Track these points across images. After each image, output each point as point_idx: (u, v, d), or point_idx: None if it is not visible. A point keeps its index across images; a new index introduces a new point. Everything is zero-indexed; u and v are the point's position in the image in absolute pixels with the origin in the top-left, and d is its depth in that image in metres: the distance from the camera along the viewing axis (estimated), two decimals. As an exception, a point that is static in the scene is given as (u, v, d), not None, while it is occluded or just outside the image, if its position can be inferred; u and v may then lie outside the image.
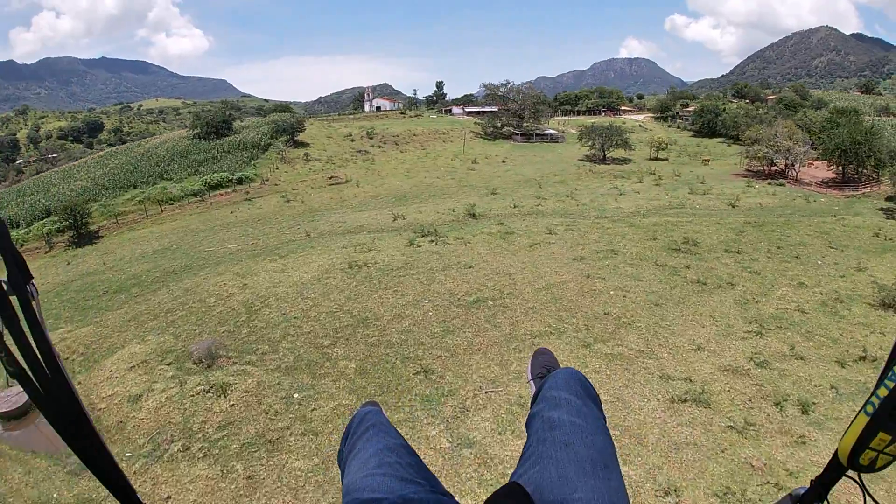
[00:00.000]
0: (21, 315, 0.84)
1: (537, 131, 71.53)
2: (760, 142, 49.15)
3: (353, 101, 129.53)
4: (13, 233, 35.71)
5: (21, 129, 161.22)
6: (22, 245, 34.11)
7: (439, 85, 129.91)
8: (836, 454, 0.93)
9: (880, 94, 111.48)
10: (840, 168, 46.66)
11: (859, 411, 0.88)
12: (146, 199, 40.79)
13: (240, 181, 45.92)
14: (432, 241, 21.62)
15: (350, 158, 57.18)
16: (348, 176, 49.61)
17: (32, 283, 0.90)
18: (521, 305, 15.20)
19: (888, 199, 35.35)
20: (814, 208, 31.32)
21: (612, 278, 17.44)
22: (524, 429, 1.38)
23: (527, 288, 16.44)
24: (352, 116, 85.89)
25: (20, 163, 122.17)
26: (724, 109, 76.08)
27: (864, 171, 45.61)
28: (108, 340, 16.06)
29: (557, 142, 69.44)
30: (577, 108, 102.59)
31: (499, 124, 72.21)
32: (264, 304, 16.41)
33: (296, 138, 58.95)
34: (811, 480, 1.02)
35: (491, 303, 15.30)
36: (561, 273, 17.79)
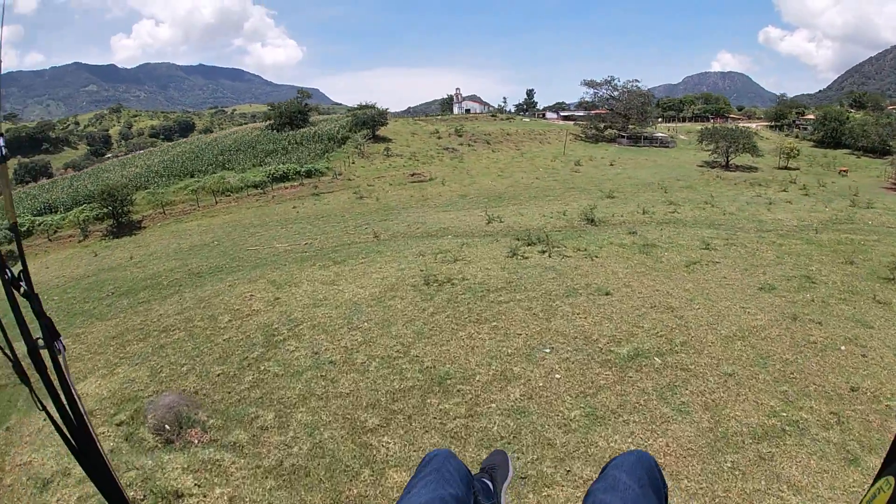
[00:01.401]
0: (51, 366, 1.03)
1: (645, 135, 64.88)
2: None
3: (441, 103, 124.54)
4: (48, 218, 32.58)
5: (114, 125, 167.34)
6: (55, 232, 30.68)
7: (529, 93, 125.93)
8: None
9: None
10: None
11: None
12: (200, 189, 36.45)
13: (308, 174, 41.25)
14: (543, 251, 15.46)
15: (436, 155, 52.11)
16: (433, 174, 44.31)
17: (60, 340, 1.07)
18: (711, 368, 8.75)
19: None
20: None
21: (829, 323, 10.69)
22: None
23: (708, 334, 9.97)
24: (440, 117, 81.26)
25: (109, 157, 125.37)
26: (849, 118, 68.32)
27: None
28: (73, 366, 11.02)
29: (668, 146, 62.88)
30: (682, 115, 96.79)
31: (601, 126, 65.52)
32: (292, 334, 10.74)
33: (376, 133, 54.51)
34: None
35: (658, 360, 8.91)
36: (751, 310, 11.22)
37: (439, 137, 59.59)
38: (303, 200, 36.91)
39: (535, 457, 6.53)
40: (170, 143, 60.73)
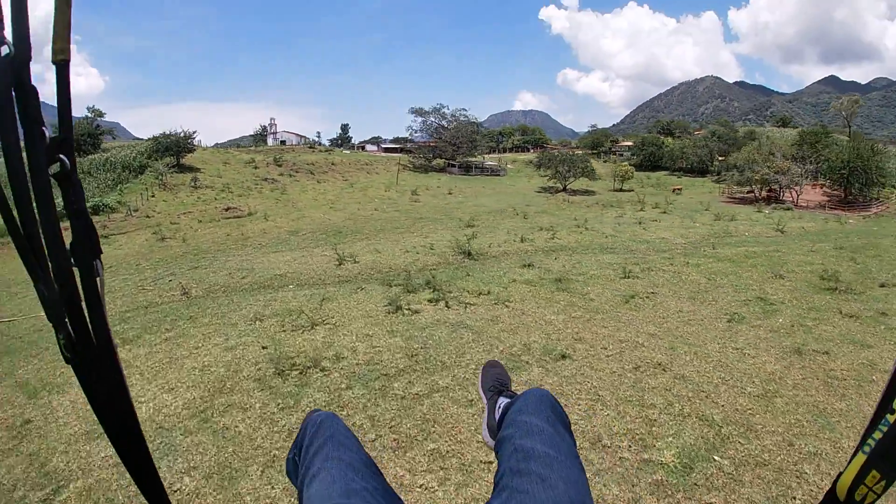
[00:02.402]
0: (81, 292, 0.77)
1: (476, 164, 65.83)
2: (752, 165, 48.39)
3: (254, 136, 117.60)
4: None
5: None
6: None
7: (344, 127, 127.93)
8: (832, 490, 0.94)
9: (796, 128, 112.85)
10: (842, 188, 47.83)
11: (857, 450, 0.90)
12: (-61, 243, 27.88)
13: (95, 210, 33.66)
14: (435, 299, 11.05)
15: (254, 187, 47.33)
16: (252, 207, 38.99)
17: (99, 259, 0.82)
18: (785, 451, 5.38)
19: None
20: (860, 230, 26.74)
21: (833, 351, 8.46)
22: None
23: (737, 398, 6.64)
24: (254, 149, 75.77)
25: None
26: (664, 143, 78.18)
27: (866, 191, 47.56)
28: None
29: (499, 175, 65.21)
30: (501, 146, 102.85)
31: (430, 156, 64.64)
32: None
33: (182, 161, 48.39)
34: None
35: (722, 461, 5.09)
36: (748, 352, 8.37)
37: (256, 167, 55.25)
38: (87, 246, 29.14)
39: None
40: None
